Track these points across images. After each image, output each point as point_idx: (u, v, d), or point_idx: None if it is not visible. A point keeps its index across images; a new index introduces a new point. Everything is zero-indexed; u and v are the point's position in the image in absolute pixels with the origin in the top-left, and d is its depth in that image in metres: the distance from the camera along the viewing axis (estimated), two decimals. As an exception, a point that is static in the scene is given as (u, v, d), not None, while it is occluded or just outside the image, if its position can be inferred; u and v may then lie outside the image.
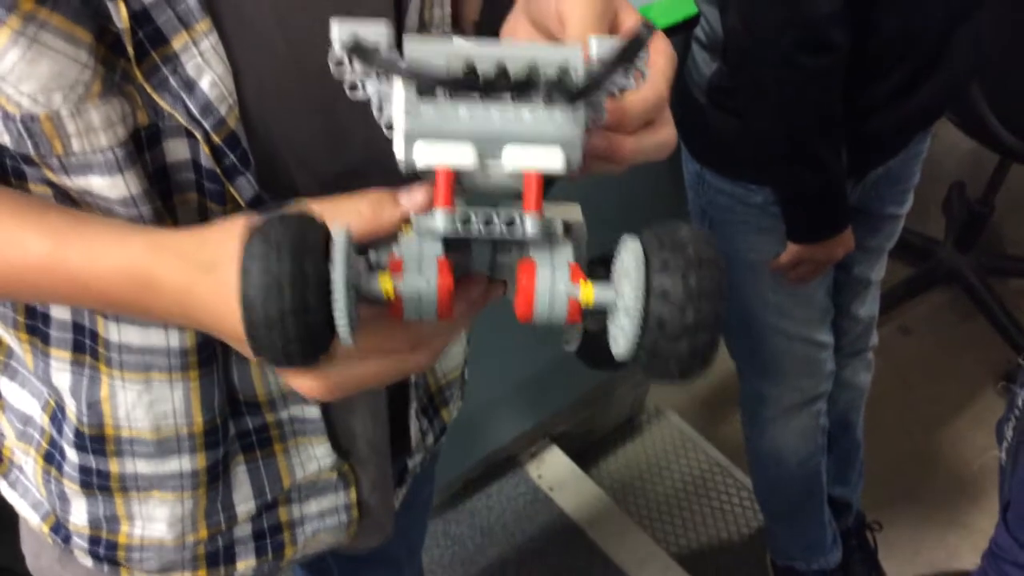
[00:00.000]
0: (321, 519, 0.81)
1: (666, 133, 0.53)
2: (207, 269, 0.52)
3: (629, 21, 0.55)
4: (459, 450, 1.89)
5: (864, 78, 1.35)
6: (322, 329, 0.43)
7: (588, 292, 0.47)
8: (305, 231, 0.43)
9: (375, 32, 0.44)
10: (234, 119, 0.57)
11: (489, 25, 0.64)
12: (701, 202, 1.59)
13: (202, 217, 0.62)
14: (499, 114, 0.44)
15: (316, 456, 0.77)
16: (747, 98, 1.39)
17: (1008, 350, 2.48)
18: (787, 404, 1.73)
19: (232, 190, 0.59)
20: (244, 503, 0.76)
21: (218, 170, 0.58)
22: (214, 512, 0.75)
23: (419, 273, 0.46)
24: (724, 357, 1.63)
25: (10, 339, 0.70)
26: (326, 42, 0.54)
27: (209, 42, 0.55)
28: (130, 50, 0.52)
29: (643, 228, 0.47)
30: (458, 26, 0.71)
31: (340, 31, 0.44)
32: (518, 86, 0.43)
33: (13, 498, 0.79)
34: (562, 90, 0.44)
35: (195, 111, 0.55)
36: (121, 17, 0.51)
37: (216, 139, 0.56)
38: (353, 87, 0.46)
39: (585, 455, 2.21)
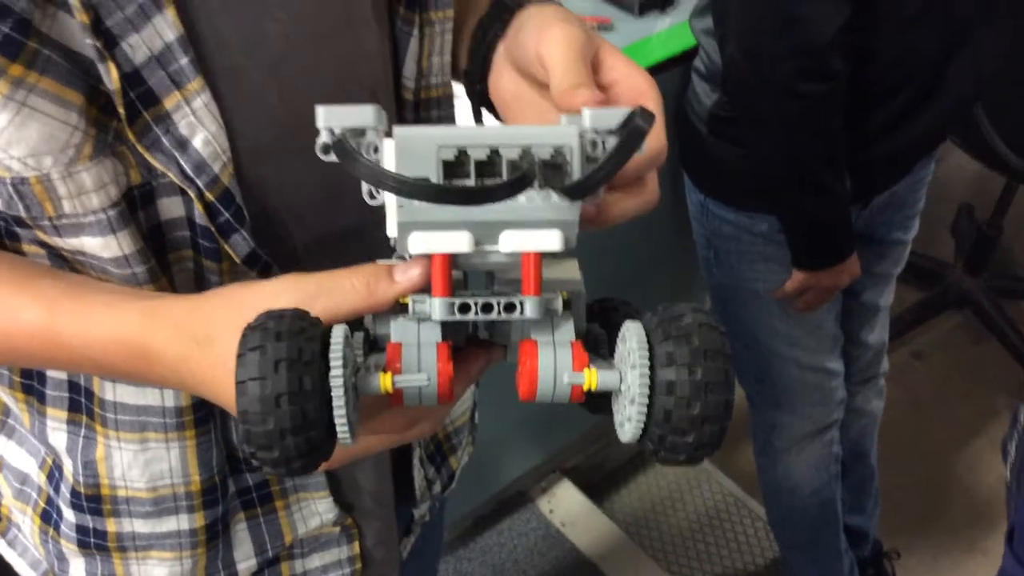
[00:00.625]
0: (324, 573, 0.80)
1: (651, 191, 0.54)
2: (202, 342, 0.51)
3: (610, 59, 0.55)
4: (469, 487, 1.87)
5: (865, 105, 1.35)
6: (324, 438, 0.42)
7: (592, 378, 0.46)
8: (301, 341, 0.42)
9: (361, 118, 0.44)
10: (228, 176, 0.56)
11: (477, 74, 0.64)
12: (706, 232, 1.58)
13: (197, 275, 0.61)
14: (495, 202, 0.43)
15: (318, 511, 0.76)
16: (749, 127, 1.38)
17: (1022, 371, 2.46)
18: (799, 434, 1.71)
19: (227, 247, 0.58)
20: (245, 560, 0.75)
21: (212, 228, 0.57)
22: (215, 571, 0.74)
23: (418, 368, 0.45)
24: (736, 387, 1.60)
25: (7, 398, 0.70)
26: (321, 98, 0.53)
27: (202, 100, 0.54)
28: (121, 111, 0.52)
29: (646, 313, 0.46)
30: (454, 74, 0.71)
31: (325, 119, 0.44)
32: (514, 184, 0.42)
33: (12, 557, 0.78)
34: (561, 189, 0.43)
35: (188, 169, 0.55)
36: (112, 79, 0.51)
37: (210, 197, 0.56)
38: (325, 150, 0.45)
39: (597, 488, 2.19)
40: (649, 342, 0.44)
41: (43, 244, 0.58)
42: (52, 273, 0.58)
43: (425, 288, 0.48)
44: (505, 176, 0.44)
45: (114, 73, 0.51)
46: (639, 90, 0.53)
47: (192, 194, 0.55)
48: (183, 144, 0.54)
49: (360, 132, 0.44)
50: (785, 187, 1.38)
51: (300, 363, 0.41)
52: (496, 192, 0.41)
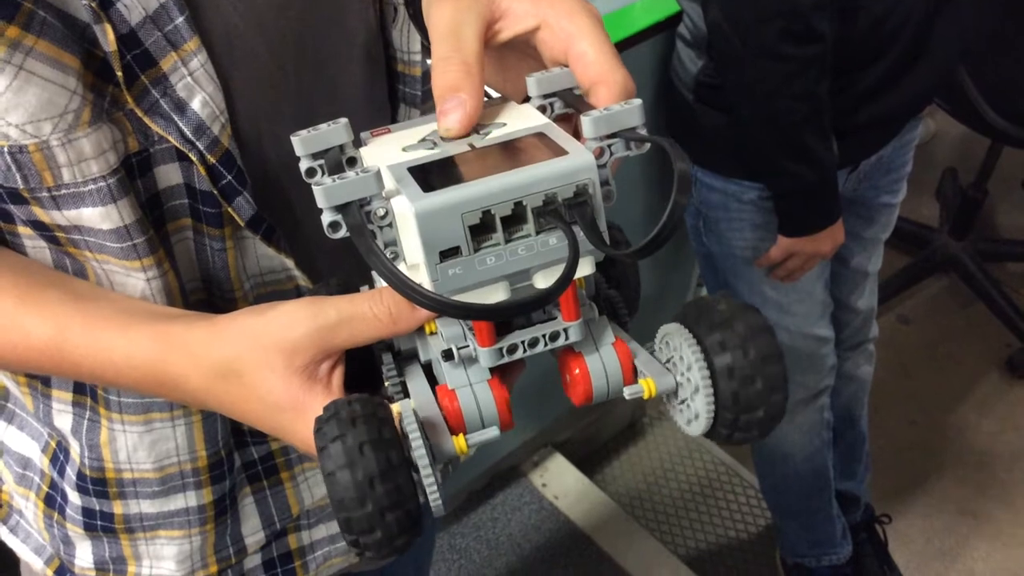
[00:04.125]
0: (332, 542, 0.79)
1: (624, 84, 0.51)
2: (227, 376, 0.50)
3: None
4: (462, 463, 1.87)
5: (851, 69, 1.34)
6: (419, 511, 0.42)
7: (651, 387, 0.47)
8: (377, 422, 0.42)
9: (336, 137, 0.43)
10: (227, 138, 0.55)
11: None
12: (694, 201, 1.57)
13: (198, 245, 0.60)
14: (525, 249, 0.42)
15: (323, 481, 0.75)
16: (734, 92, 1.37)
17: (1008, 334, 2.47)
18: (791, 400, 1.71)
19: (231, 211, 0.57)
20: (253, 534, 0.74)
21: (215, 191, 0.56)
22: (223, 546, 0.73)
23: (478, 411, 0.46)
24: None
25: (8, 382, 0.69)
26: (305, 55, 0.52)
27: (199, 60, 0.53)
28: (119, 74, 0.51)
29: (678, 314, 0.47)
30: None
31: (303, 147, 0.43)
32: (561, 285, 0.41)
33: (14, 543, 0.78)
34: (625, 255, 0.42)
35: (188, 132, 0.54)
36: (108, 40, 0.50)
37: (211, 159, 0.55)
38: (333, 228, 0.43)
39: (589, 461, 2.19)
40: (695, 336, 0.45)
41: (36, 225, 0.57)
42: (58, 283, 0.57)
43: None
44: (533, 225, 0.42)
45: (110, 34, 0.50)
46: (568, 33, 0.48)
47: (194, 158, 0.54)
48: (181, 106, 0.53)
49: (340, 155, 0.43)
50: (771, 152, 1.37)
51: (382, 442, 0.41)
52: (550, 296, 0.41)
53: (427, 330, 0.49)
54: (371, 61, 0.66)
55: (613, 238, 0.51)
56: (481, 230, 0.41)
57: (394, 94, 0.71)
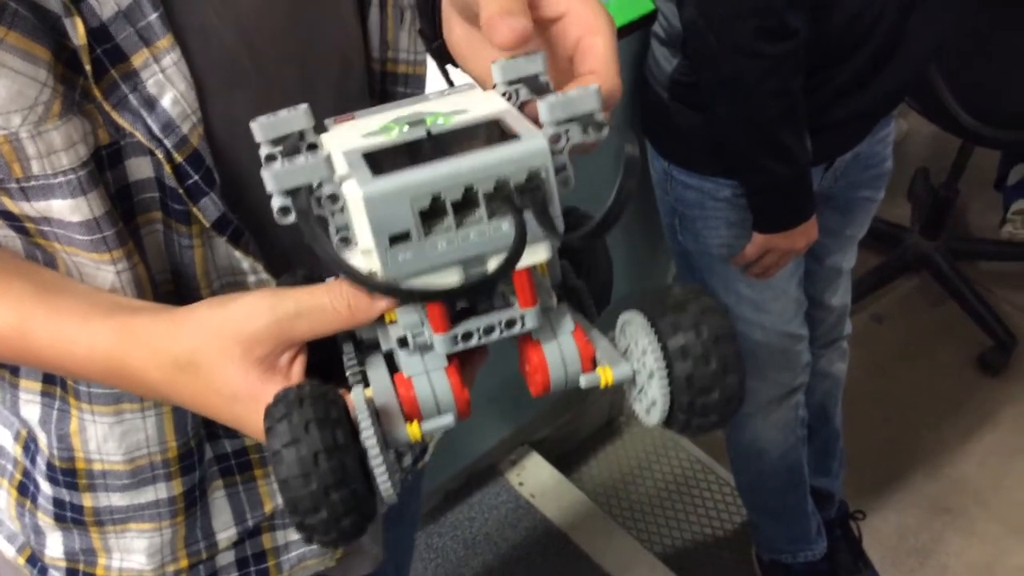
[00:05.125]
0: (307, 543, 0.78)
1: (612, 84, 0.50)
2: (185, 368, 0.50)
3: None
4: (439, 461, 1.87)
5: (825, 64, 1.35)
6: (366, 493, 0.42)
7: (608, 375, 0.47)
8: (325, 403, 0.42)
9: (296, 123, 0.42)
10: (197, 137, 0.55)
11: (431, 31, 0.62)
12: (669, 199, 1.58)
13: (167, 239, 0.60)
14: (477, 235, 0.42)
15: None
16: (709, 90, 1.38)
17: (980, 333, 2.50)
18: (766, 398, 1.72)
19: (196, 211, 0.57)
20: (225, 530, 0.74)
21: (180, 190, 0.56)
22: (194, 540, 0.73)
23: (434, 399, 0.46)
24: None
25: None
26: (290, 61, 0.51)
27: (171, 58, 0.53)
28: (87, 68, 0.50)
29: (634, 303, 0.47)
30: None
31: (262, 132, 0.42)
32: (510, 262, 0.41)
33: None
34: (573, 239, 0.42)
35: (156, 129, 0.53)
36: (78, 34, 0.49)
37: (178, 158, 0.54)
38: (283, 212, 0.43)
39: (566, 460, 2.19)
40: (650, 321, 0.45)
41: (6, 215, 0.56)
42: (24, 272, 0.57)
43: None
44: (484, 209, 0.42)
45: (80, 28, 0.49)
46: (588, 25, 0.49)
47: (160, 155, 0.54)
48: (151, 103, 0.53)
49: (300, 142, 0.43)
50: (746, 149, 1.38)
51: (328, 420, 0.41)
52: (490, 280, 0.41)
53: (387, 319, 0.48)
54: (350, 65, 0.66)
55: (575, 222, 0.51)
56: (432, 215, 0.41)
57: (387, 98, 0.70)
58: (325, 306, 0.48)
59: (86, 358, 0.54)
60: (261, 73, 0.58)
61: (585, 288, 0.52)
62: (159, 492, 0.68)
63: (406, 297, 0.40)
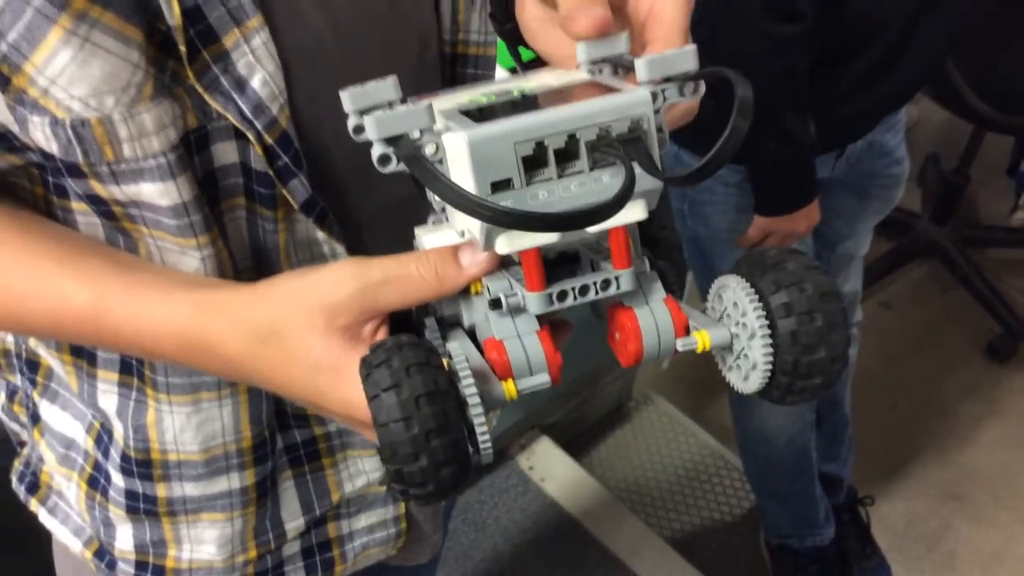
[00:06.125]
0: (370, 533, 0.79)
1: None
2: (266, 339, 0.50)
3: None
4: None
5: (835, 62, 1.35)
6: (470, 462, 0.42)
7: (705, 340, 0.46)
8: (432, 372, 0.41)
9: (387, 93, 0.41)
10: (285, 118, 0.55)
11: (502, 13, 0.63)
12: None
13: (250, 224, 0.60)
14: (578, 186, 0.41)
15: (365, 470, 0.75)
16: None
17: (989, 320, 2.50)
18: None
19: (285, 192, 0.57)
20: (293, 520, 0.74)
21: (271, 172, 0.56)
22: (263, 530, 0.73)
23: (527, 362, 0.45)
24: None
25: (52, 360, 0.68)
26: (373, 41, 0.50)
27: (261, 38, 0.53)
28: (182, 48, 0.50)
29: (732, 267, 0.47)
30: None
31: (353, 101, 0.41)
32: (622, 198, 0.39)
33: (53, 525, 0.77)
34: (677, 180, 0.41)
35: (247, 111, 0.53)
36: (174, 14, 0.49)
37: (269, 140, 0.54)
38: (383, 161, 0.42)
39: (575, 444, 2.20)
40: (758, 292, 0.44)
41: (93, 199, 0.56)
42: (100, 251, 0.57)
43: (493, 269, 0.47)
44: (587, 160, 0.41)
45: (176, 8, 0.49)
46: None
47: (251, 137, 0.54)
48: (241, 84, 0.53)
49: (391, 108, 0.42)
50: (751, 130, 1.37)
51: (439, 394, 0.40)
52: (609, 209, 0.39)
53: (473, 290, 0.48)
54: (426, 46, 0.66)
55: (658, 229, 0.51)
56: (534, 164, 0.41)
57: (456, 79, 0.70)
58: (412, 273, 0.47)
59: (164, 332, 0.53)
60: (344, 53, 0.58)
61: (670, 268, 0.51)
62: (232, 482, 0.68)
63: (522, 222, 0.39)
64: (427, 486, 0.41)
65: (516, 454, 2.09)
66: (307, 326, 0.48)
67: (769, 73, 1.29)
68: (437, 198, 0.46)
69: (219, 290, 0.53)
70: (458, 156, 0.41)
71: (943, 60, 1.98)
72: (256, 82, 0.53)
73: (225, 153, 0.56)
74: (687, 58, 0.43)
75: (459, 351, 0.43)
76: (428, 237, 0.50)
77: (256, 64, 0.53)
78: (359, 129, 0.42)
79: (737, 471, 2.16)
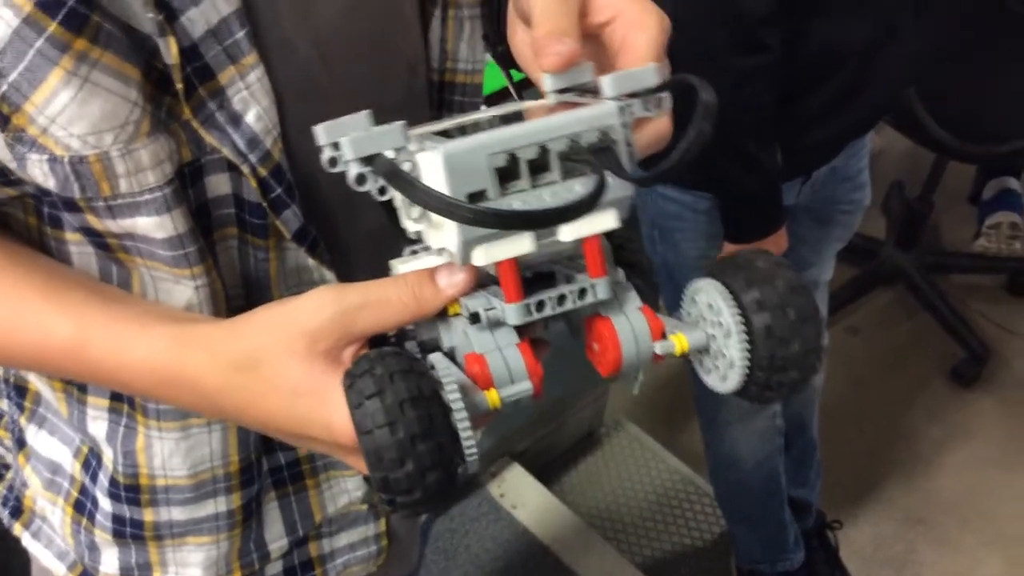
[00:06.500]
0: (352, 551, 0.79)
1: (663, 122, 0.51)
2: (244, 368, 0.50)
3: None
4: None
5: (799, 94, 1.37)
6: (456, 469, 0.42)
7: (683, 343, 0.47)
8: (416, 378, 0.41)
9: (385, 141, 0.42)
10: (278, 151, 0.55)
11: (495, 36, 0.64)
12: (650, 212, 1.60)
13: (242, 253, 0.60)
14: (551, 196, 0.43)
15: (347, 489, 0.75)
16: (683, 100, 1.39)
17: (954, 345, 2.53)
18: (745, 407, 1.74)
19: (278, 223, 0.57)
20: (276, 541, 0.74)
21: (264, 204, 0.56)
22: (248, 552, 0.73)
23: (508, 374, 0.46)
24: (680, 367, 1.63)
25: (42, 386, 0.68)
26: (362, 71, 0.51)
27: (256, 75, 0.54)
28: (179, 86, 0.51)
29: (706, 271, 0.48)
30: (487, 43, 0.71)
31: (325, 135, 0.42)
32: (596, 195, 0.41)
33: (36, 549, 0.77)
34: (640, 180, 0.43)
35: (241, 145, 0.54)
36: (172, 54, 0.50)
37: (263, 172, 0.55)
38: (360, 181, 0.43)
39: (547, 471, 2.20)
40: (731, 291, 0.45)
41: (88, 231, 0.56)
42: (86, 284, 0.57)
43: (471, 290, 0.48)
44: (559, 171, 0.43)
45: (174, 47, 0.50)
46: (633, 23, 0.50)
47: (245, 170, 0.54)
48: (236, 119, 0.53)
49: (399, 171, 0.42)
50: (717, 159, 1.39)
51: (423, 399, 0.41)
52: (581, 207, 0.41)
53: (450, 312, 0.49)
54: (415, 74, 0.67)
55: (632, 250, 0.52)
56: (508, 176, 0.42)
57: (444, 105, 0.71)
58: (390, 297, 0.48)
59: (142, 366, 0.53)
60: (335, 84, 0.59)
61: (641, 282, 0.52)
62: (219, 505, 0.68)
63: (501, 221, 0.40)
64: (414, 492, 0.41)
65: (487, 482, 2.09)
66: (287, 352, 0.48)
67: (738, 105, 1.31)
68: (411, 227, 0.47)
69: (199, 324, 0.54)
70: (433, 171, 0.42)
71: (906, 88, 2.02)
72: (251, 117, 0.54)
73: (218, 185, 0.57)
74: (649, 75, 0.45)
75: (441, 361, 0.44)
76: (404, 267, 0.51)
77: (251, 99, 0.54)
78: (333, 162, 0.43)
79: (708, 497, 2.17)
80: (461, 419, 0.42)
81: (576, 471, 2.26)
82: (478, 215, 0.39)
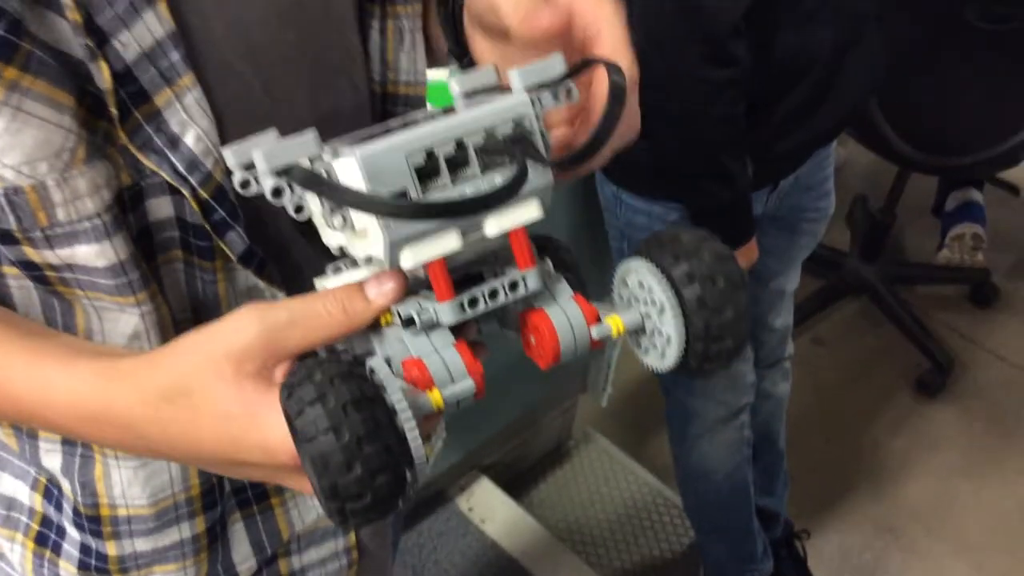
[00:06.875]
0: (322, 566, 0.78)
1: (633, 113, 0.51)
2: (172, 397, 0.48)
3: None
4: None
5: (764, 103, 1.38)
6: (404, 471, 0.41)
7: (618, 324, 0.47)
8: (356, 381, 0.41)
9: (306, 149, 0.42)
10: (220, 172, 0.54)
11: (457, 51, 0.64)
12: (619, 223, 1.60)
13: (188, 276, 0.59)
14: (472, 189, 0.43)
15: (315, 504, 0.73)
16: (654, 115, 1.40)
17: (918, 355, 2.55)
18: (713, 418, 1.74)
19: (222, 245, 0.56)
20: (245, 562, 0.72)
21: (207, 226, 0.55)
22: (216, 575, 0.71)
23: (448, 375, 0.45)
24: (649, 378, 1.63)
25: None
26: (304, 88, 0.51)
27: (193, 96, 0.52)
28: (113, 111, 0.50)
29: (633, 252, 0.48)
30: (432, 57, 0.71)
31: (267, 159, 0.41)
32: (519, 179, 0.42)
33: None
34: (560, 163, 0.44)
35: (181, 168, 0.52)
36: (104, 79, 0.49)
37: (204, 195, 0.54)
38: (277, 194, 0.43)
39: (515, 485, 2.19)
40: (660, 268, 0.46)
41: (26, 265, 0.55)
42: (11, 321, 0.56)
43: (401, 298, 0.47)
44: (477, 164, 0.43)
45: (106, 72, 0.49)
46: (590, 18, 0.50)
47: (186, 193, 0.53)
48: (175, 142, 0.52)
49: (315, 175, 0.42)
50: (689, 171, 1.40)
51: (366, 401, 0.40)
52: (504, 193, 0.41)
53: (383, 321, 0.48)
54: (356, 88, 0.66)
55: (553, 249, 0.52)
56: (428, 174, 0.42)
57: (387, 117, 0.69)
58: (319, 312, 0.47)
59: (67, 404, 0.51)
60: (274, 102, 0.58)
61: (569, 265, 0.52)
62: (183, 532, 0.67)
63: (429, 212, 0.40)
64: (364, 497, 0.40)
65: (455, 496, 2.08)
66: (215, 377, 0.47)
67: (710, 117, 1.31)
68: (333, 240, 0.47)
69: (124, 358, 0.52)
70: (351, 176, 0.41)
71: (871, 95, 2.04)
72: (190, 139, 0.53)
73: (160, 208, 0.56)
74: (556, 65, 0.46)
75: (381, 366, 0.43)
76: (328, 283, 0.51)
77: (189, 121, 0.52)
78: (246, 184, 0.43)
79: (677, 508, 2.17)
80: (406, 419, 0.41)
81: (545, 484, 2.25)
82: (404, 208, 0.39)
